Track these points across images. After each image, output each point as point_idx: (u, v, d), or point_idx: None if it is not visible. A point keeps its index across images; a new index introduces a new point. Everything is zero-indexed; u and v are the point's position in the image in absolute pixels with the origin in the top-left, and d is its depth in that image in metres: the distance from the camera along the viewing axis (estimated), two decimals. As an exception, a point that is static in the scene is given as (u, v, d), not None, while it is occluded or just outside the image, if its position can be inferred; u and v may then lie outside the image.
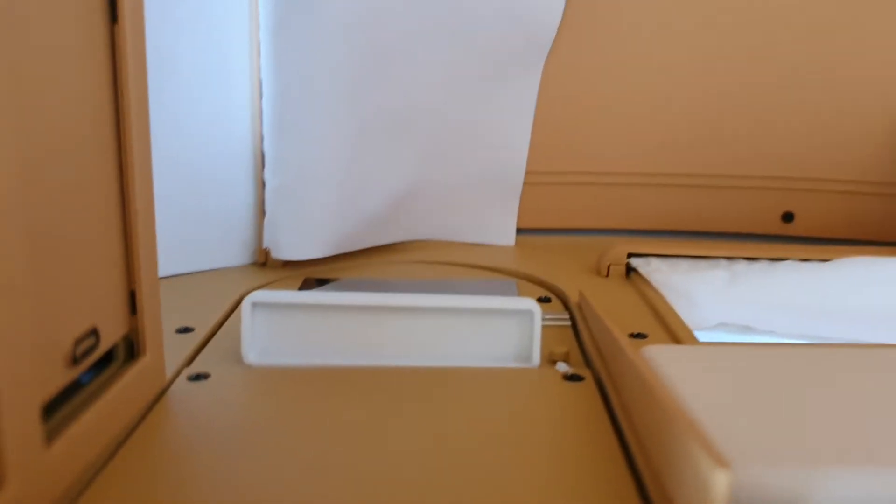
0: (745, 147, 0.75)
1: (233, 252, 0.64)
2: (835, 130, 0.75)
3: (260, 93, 0.62)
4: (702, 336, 0.51)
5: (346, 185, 0.65)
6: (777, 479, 0.28)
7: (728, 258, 0.64)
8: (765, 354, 0.40)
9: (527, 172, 0.74)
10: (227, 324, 0.51)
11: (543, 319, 0.53)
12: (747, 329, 0.54)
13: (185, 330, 0.49)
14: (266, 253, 0.65)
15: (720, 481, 0.24)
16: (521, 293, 0.60)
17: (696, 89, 0.75)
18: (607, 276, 0.64)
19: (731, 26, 0.73)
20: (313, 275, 0.64)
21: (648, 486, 0.31)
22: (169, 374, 0.42)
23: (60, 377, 0.31)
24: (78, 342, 0.32)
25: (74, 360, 0.32)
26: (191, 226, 0.61)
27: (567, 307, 0.57)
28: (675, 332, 0.49)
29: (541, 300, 0.58)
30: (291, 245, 0.63)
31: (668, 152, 0.76)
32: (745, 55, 0.73)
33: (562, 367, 0.44)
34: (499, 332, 0.45)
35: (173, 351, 0.45)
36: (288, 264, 0.65)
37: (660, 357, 0.39)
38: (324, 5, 0.60)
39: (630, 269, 0.64)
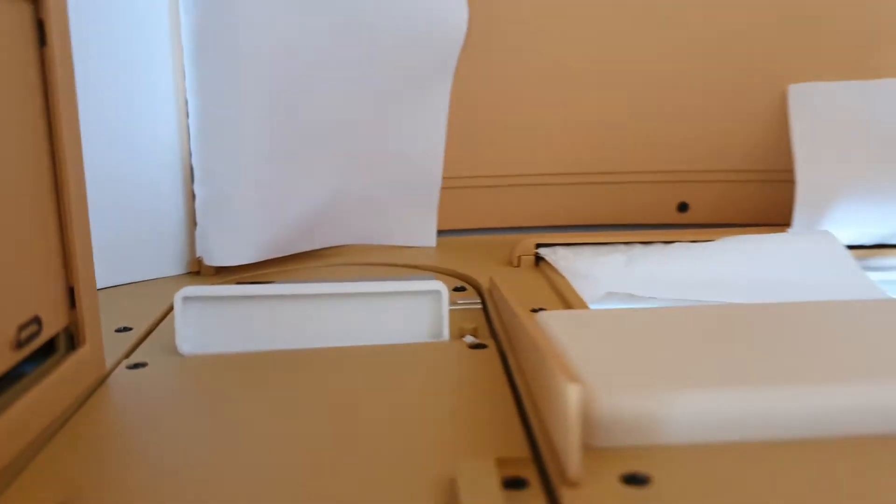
0: (642, 145, 0.82)
1: (166, 263, 0.68)
2: (721, 125, 0.82)
3: (187, 112, 0.66)
4: (594, 307, 0.56)
5: (271, 194, 0.69)
6: (634, 401, 0.34)
7: (626, 243, 0.70)
8: (641, 314, 0.46)
9: (446, 177, 0.80)
10: (163, 323, 0.55)
11: (457, 304, 0.58)
12: (632, 297, 0.60)
13: (124, 329, 0.53)
14: (199, 262, 0.68)
15: (572, 393, 0.30)
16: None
17: (594, 93, 0.82)
18: (518, 265, 0.70)
19: (624, 31, 0.80)
20: (245, 280, 0.68)
21: (532, 421, 0.36)
22: (109, 365, 0.46)
23: (5, 359, 0.35)
24: (22, 328, 0.36)
25: (19, 345, 0.36)
26: (124, 240, 0.65)
27: (480, 294, 0.62)
28: (571, 304, 0.55)
29: (457, 289, 0.63)
30: (223, 252, 0.67)
31: (572, 153, 0.83)
32: (638, 60, 0.80)
33: (469, 339, 0.49)
34: (411, 312, 0.50)
35: (112, 347, 0.48)
36: (221, 271, 0.69)
37: (549, 320, 0.45)
38: (241, 31, 0.65)
39: (539, 259, 0.70)
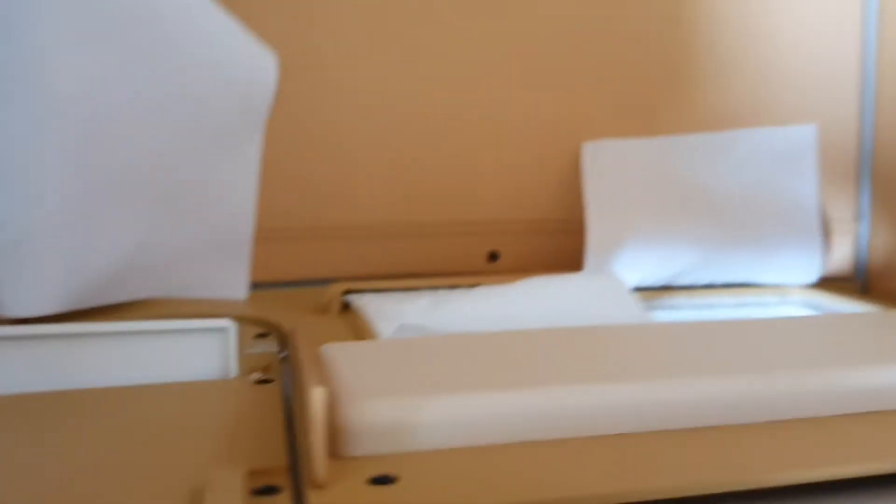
0: (453, 197, 0.87)
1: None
2: (527, 177, 0.88)
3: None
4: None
5: (73, 244, 0.67)
6: (383, 409, 0.35)
7: (435, 288, 0.73)
8: (424, 342, 0.48)
9: (264, 229, 0.80)
10: None
11: (256, 349, 0.58)
12: (423, 330, 0.62)
13: None
14: (-14, 317, 0.65)
15: (316, 395, 0.31)
16: (242, 331, 0.64)
17: (408, 147, 0.86)
18: (327, 312, 0.71)
19: (435, 88, 0.85)
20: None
21: (293, 436, 0.37)
22: None
23: None
24: None
25: None
26: None
27: (282, 339, 0.62)
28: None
29: (261, 335, 0.63)
30: (20, 302, 0.64)
31: (386, 205, 0.86)
32: (451, 116, 0.86)
33: (256, 376, 0.49)
34: (199, 349, 0.50)
35: None
36: (18, 325, 0.65)
37: (332, 351, 0.46)
38: (45, 74, 0.64)
39: (348, 306, 0.71)
